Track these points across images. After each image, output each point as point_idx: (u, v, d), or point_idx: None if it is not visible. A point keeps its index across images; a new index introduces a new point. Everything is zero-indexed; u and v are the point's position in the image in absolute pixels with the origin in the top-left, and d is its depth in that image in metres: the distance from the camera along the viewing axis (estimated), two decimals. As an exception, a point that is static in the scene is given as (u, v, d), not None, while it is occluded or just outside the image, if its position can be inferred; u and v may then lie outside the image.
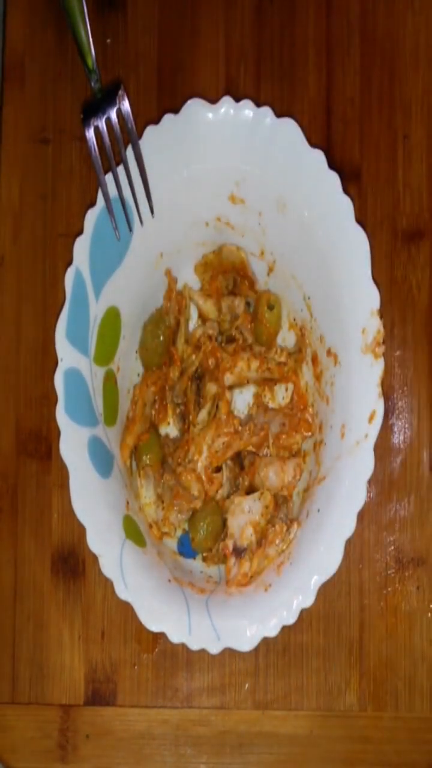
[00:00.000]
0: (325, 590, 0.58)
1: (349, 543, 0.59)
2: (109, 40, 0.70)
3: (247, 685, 0.67)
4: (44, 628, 0.67)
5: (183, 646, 0.65)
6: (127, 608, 0.66)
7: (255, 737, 0.66)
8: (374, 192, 0.69)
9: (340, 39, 0.70)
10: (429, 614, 0.67)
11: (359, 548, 0.67)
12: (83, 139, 0.65)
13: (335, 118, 0.70)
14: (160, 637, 0.67)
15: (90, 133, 0.61)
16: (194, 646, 0.58)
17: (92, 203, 0.61)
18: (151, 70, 0.70)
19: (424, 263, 0.69)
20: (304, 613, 0.58)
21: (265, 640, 0.59)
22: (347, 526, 0.58)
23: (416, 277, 0.69)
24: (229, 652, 0.66)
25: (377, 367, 0.60)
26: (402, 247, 0.69)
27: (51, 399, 0.67)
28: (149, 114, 0.69)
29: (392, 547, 0.67)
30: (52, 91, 0.70)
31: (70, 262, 0.61)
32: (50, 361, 0.68)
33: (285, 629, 0.59)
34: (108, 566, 0.59)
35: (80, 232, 0.61)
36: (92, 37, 0.63)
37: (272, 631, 0.59)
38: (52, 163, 0.70)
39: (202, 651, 0.59)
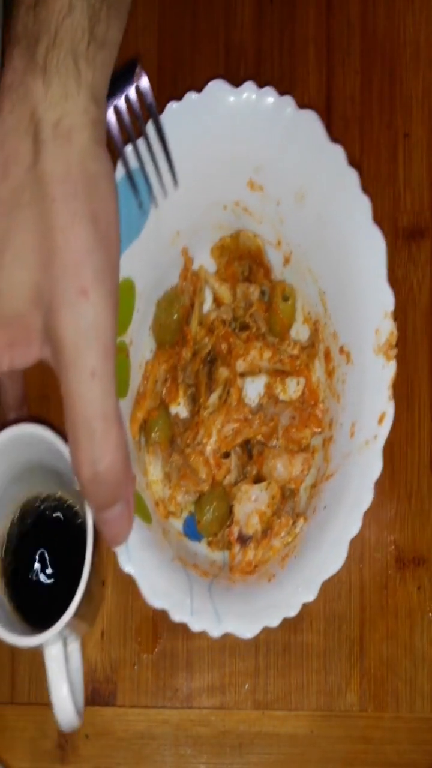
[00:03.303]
0: (325, 590, 0.58)
1: (349, 542, 0.59)
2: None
3: (247, 685, 0.66)
4: (43, 627, 0.67)
5: (183, 646, 0.65)
6: (126, 608, 0.66)
7: (255, 737, 0.66)
8: (375, 191, 0.69)
9: (340, 39, 0.71)
10: (430, 614, 0.67)
11: (360, 548, 0.67)
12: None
13: (335, 117, 0.70)
14: (160, 636, 0.66)
15: (110, 113, 0.58)
16: (195, 627, 0.57)
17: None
18: (151, 70, 0.70)
19: (425, 262, 0.69)
20: (304, 613, 0.58)
21: (265, 640, 0.59)
22: (353, 525, 0.58)
23: (417, 275, 0.69)
24: (229, 652, 0.66)
25: (389, 369, 0.59)
26: (402, 245, 0.69)
27: (51, 398, 0.66)
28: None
29: (393, 547, 0.67)
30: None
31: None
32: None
33: (285, 629, 0.58)
34: None
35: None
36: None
37: (274, 620, 0.58)
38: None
39: (202, 651, 0.58)
